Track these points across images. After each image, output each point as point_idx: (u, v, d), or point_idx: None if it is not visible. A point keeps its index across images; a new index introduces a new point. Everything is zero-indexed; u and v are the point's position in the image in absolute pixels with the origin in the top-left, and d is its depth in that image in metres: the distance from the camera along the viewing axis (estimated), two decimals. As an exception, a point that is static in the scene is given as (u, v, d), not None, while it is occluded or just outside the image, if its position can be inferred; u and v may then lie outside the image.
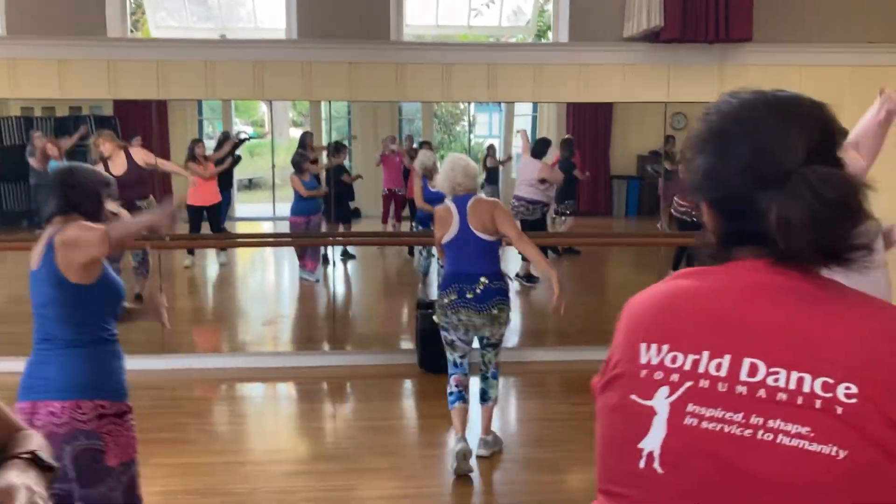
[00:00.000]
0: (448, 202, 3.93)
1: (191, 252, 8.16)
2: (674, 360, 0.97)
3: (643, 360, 1.00)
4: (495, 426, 4.16)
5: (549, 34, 6.60)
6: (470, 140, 12.86)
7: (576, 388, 5.08)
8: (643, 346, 1.01)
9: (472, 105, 11.58)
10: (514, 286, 7.26)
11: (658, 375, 0.98)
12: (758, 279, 0.99)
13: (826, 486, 0.88)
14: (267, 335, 6.59)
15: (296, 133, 15.22)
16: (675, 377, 0.97)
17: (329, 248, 7.57)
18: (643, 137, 10.39)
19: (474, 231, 3.81)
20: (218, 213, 7.71)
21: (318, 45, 5.45)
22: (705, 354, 0.96)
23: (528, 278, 7.44)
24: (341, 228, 8.30)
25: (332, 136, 9.30)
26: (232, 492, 3.66)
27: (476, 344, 4.02)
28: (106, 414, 2.46)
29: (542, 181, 7.25)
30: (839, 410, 0.88)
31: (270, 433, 4.56)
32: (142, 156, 6.10)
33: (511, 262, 7.53)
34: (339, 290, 8.19)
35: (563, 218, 8.81)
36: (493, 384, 4.02)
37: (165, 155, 6.82)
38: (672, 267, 7.50)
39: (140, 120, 7.82)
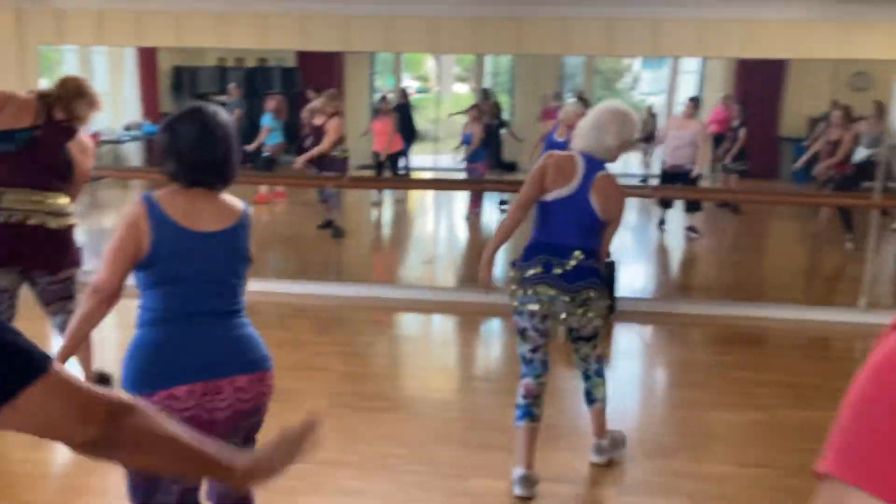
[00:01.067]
0: (576, 153, 3.17)
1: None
2: None
3: None
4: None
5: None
6: (633, 97, 12.74)
7: (718, 339, 5.23)
8: None
9: (639, 61, 11.47)
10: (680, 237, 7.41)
11: None
12: None
13: None
14: (427, 271, 7.10)
15: (458, 88, 15.72)
16: None
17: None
18: (817, 98, 9.94)
19: (591, 202, 3.09)
20: (397, 160, 8.67)
21: (486, 1, 5.73)
22: None
23: (691, 228, 7.86)
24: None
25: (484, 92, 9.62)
26: (393, 397, 4.13)
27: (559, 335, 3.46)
28: None
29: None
30: None
31: (427, 354, 5.02)
32: (333, 124, 6.93)
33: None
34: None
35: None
36: (598, 383, 3.37)
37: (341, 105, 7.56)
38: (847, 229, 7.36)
39: (321, 72, 8.49)
